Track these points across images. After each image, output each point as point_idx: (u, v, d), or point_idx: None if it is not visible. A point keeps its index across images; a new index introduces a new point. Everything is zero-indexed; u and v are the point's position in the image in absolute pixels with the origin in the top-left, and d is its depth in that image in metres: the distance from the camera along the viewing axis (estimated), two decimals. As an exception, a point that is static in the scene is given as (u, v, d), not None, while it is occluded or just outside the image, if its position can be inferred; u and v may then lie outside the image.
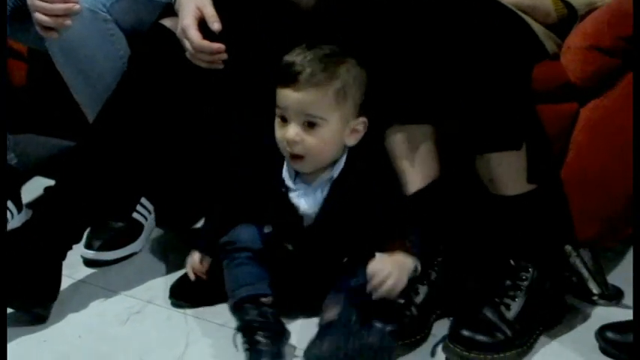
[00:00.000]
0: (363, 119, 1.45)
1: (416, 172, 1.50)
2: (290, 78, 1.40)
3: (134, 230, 1.82)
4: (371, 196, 1.44)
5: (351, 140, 1.45)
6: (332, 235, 1.46)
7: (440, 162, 1.52)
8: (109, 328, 1.55)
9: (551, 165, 1.49)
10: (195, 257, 1.53)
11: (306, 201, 1.46)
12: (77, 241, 1.63)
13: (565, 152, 1.51)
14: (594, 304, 1.56)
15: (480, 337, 1.41)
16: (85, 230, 1.66)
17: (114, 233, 1.78)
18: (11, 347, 1.47)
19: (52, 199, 1.62)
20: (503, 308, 1.45)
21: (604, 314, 1.53)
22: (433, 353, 1.46)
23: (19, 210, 1.93)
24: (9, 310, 1.53)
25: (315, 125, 1.40)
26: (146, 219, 1.85)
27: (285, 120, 1.42)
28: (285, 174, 1.47)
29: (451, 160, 1.54)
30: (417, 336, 1.47)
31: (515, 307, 1.45)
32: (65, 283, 1.62)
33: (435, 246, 1.52)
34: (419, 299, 1.48)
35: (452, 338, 1.43)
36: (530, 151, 1.43)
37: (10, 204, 1.90)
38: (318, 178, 1.45)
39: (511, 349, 1.43)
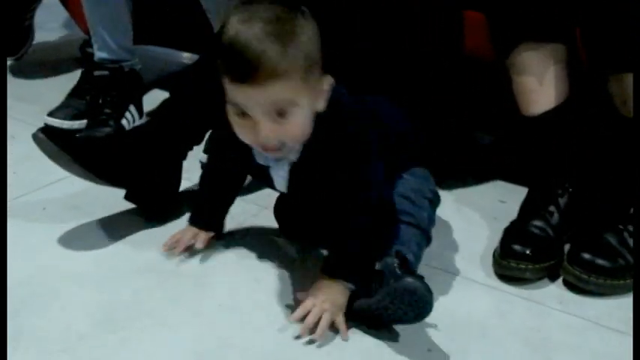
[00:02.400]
0: (327, 78, 1.25)
1: (545, 91, 1.47)
2: (245, 75, 1.16)
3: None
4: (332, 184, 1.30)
5: (321, 104, 1.26)
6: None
7: (570, 83, 1.48)
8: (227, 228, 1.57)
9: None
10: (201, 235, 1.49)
11: (277, 177, 1.37)
12: (199, 142, 1.64)
13: None
14: None
15: (601, 261, 1.38)
16: (207, 132, 1.67)
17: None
18: (131, 240, 1.52)
19: (175, 99, 1.64)
20: (626, 235, 1.41)
21: None
22: (549, 275, 1.43)
23: (141, 116, 1.97)
24: (131, 206, 1.58)
25: (287, 113, 1.20)
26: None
27: (244, 115, 1.22)
28: (255, 154, 1.34)
29: (582, 82, 1.50)
30: (552, 260, 1.43)
31: (639, 234, 1.41)
32: (183, 185, 1.65)
33: (564, 171, 1.50)
34: (554, 221, 1.46)
35: (571, 260, 1.40)
36: (668, 74, 1.38)
37: (132, 108, 1.94)
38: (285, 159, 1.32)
39: (631, 276, 1.39)
